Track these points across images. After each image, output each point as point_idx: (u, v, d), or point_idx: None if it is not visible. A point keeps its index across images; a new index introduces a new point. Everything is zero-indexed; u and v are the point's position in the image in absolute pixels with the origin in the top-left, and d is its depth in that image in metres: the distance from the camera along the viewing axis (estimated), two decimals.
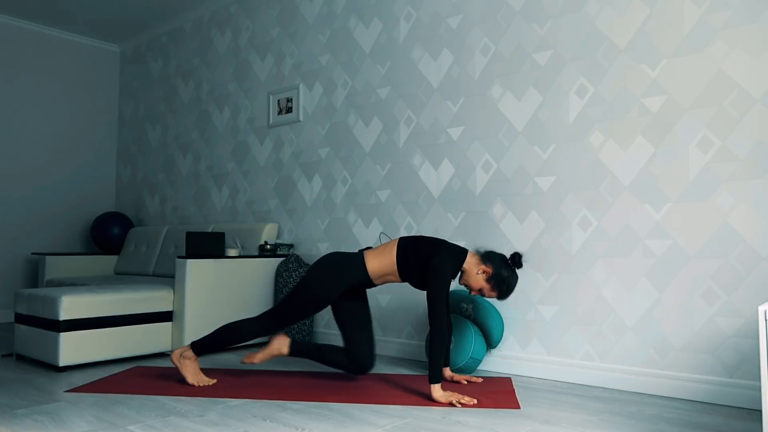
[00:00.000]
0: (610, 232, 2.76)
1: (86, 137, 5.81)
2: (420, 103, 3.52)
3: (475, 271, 2.60)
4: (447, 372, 2.81)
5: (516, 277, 2.61)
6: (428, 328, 3.39)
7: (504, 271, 2.58)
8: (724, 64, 2.49)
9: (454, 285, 3.30)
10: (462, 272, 2.64)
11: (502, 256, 2.62)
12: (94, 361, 3.22)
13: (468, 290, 2.82)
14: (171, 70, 5.44)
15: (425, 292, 3.03)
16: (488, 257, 2.61)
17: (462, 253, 2.61)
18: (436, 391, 2.42)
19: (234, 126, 4.74)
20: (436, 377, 2.42)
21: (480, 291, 2.62)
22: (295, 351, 2.81)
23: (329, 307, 3.91)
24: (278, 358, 3.45)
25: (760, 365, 1.85)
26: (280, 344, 2.81)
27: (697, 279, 2.52)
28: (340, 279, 2.65)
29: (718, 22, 2.51)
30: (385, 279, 2.71)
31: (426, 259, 2.59)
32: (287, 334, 2.89)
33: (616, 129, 2.77)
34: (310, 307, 2.66)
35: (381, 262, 2.66)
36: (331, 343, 2.99)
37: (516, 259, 2.60)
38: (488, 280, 2.59)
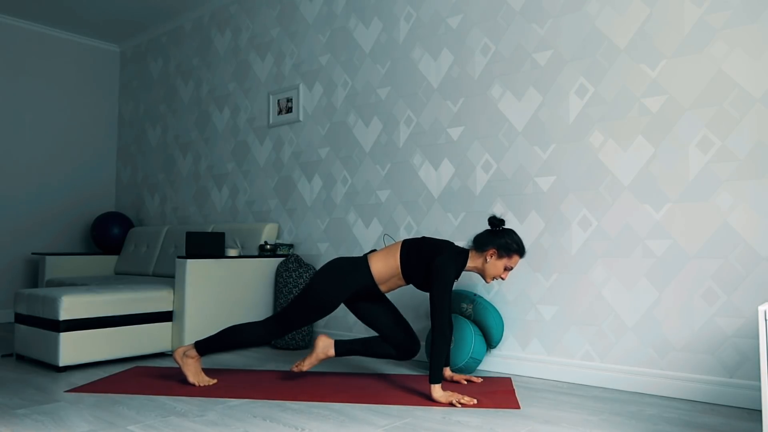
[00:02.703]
0: (610, 232, 2.76)
1: (86, 137, 5.81)
2: (420, 103, 3.52)
3: (485, 261, 2.61)
4: (447, 372, 2.81)
5: (512, 232, 2.63)
6: (428, 328, 3.38)
7: (501, 240, 2.59)
8: (724, 64, 2.49)
9: (455, 285, 3.30)
10: (482, 273, 2.65)
11: (487, 231, 2.65)
12: (94, 361, 3.22)
13: (500, 280, 2.81)
14: (171, 70, 5.44)
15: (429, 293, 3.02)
16: (480, 243, 2.62)
17: (463, 253, 2.62)
18: (436, 391, 2.42)
19: (234, 126, 4.74)
20: (437, 377, 2.42)
21: (506, 270, 2.63)
22: (341, 351, 2.82)
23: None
24: (281, 357, 3.45)
25: (760, 365, 1.85)
26: (326, 346, 2.81)
27: (697, 279, 2.52)
28: (344, 284, 2.65)
29: (718, 22, 2.51)
30: (390, 284, 2.71)
31: (428, 260, 2.60)
32: (326, 335, 2.91)
33: (616, 129, 2.77)
34: (315, 312, 2.66)
35: (385, 264, 2.67)
36: (371, 336, 2.97)
37: (495, 222, 2.63)
38: (500, 256, 2.60)
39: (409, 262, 2.63)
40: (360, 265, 2.68)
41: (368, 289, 2.71)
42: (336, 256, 3.88)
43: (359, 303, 2.82)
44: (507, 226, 3.09)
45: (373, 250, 2.79)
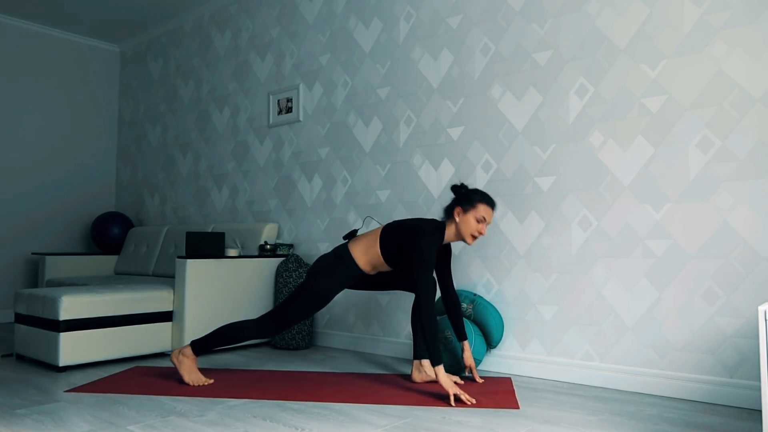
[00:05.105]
0: (610, 232, 2.76)
1: (86, 137, 5.81)
2: (420, 103, 3.52)
3: (456, 223, 2.64)
4: (465, 352, 2.80)
5: (474, 188, 2.69)
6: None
7: (463, 196, 2.65)
8: (724, 64, 2.49)
9: (456, 286, 3.30)
10: (461, 237, 2.66)
11: (453, 200, 2.70)
12: (94, 361, 3.22)
13: (481, 235, 2.78)
14: (171, 70, 5.44)
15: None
16: (448, 210, 2.69)
17: (440, 228, 2.65)
18: (442, 372, 2.42)
19: (234, 126, 4.74)
20: (438, 358, 2.42)
21: (479, 222, 2.61)
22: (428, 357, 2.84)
23: (329, 306, 3.92)
24: (280, 357, 3.45)
25: (760, 365, 1.85)
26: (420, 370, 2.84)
27: (697, 279, 2.52)
28: (339, 282, 2.71)
29: (718, 22, 2.51)
30: (378, 269, 2.77)
31: (408, 248, 2.62)
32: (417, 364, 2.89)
33: (616, 129, 2.77)
34: (310, 308, 2.71)
35: (370, 256, 2.71)
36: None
37: (456, 187, 2.70)
38: (465, 211, 2.62)
39: (391, 252, 2.67)
40: (346, 261, 2.71)
41: (361, 278, 2.83)
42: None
43: (365, 284, 2.93)
44: (506, 226, 3.09)
45: (354, 232, 2.85)
